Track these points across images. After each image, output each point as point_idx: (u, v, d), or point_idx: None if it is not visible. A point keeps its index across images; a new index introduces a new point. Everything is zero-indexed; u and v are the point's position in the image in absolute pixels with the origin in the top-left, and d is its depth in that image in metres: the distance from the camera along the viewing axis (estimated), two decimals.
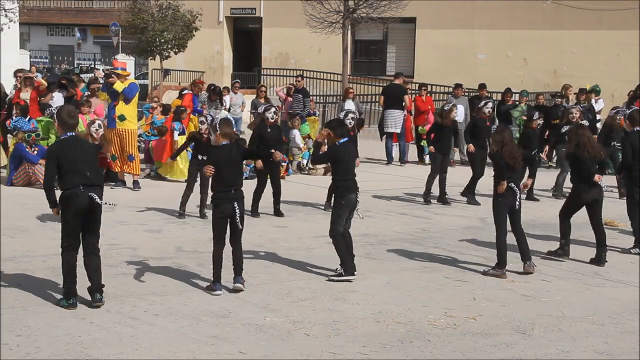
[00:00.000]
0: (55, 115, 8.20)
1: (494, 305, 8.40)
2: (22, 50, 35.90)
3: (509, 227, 9.68)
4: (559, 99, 19.91)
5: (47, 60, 56.58)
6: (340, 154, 9.38)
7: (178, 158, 14.21)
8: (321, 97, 27.31)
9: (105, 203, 7.99)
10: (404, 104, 19.85)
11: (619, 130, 14.16)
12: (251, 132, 14.06)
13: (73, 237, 7.93)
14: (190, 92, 18.08)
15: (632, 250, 10.90)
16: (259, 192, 12.75)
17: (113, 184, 14.71)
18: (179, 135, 15.76)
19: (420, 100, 20.38)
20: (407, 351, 7.03)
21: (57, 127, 8.20)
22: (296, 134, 18.08)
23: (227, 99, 20.93)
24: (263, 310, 7.98)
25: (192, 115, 17.05)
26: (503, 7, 28.67)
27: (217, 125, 8.67)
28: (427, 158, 19.46)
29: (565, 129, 10.98)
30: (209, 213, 11.21)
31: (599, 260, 10.27)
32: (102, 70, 21.54)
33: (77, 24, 59.08)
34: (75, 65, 54.37)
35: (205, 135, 12.51)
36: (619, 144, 14.45)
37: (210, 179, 8.77)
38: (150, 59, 33.03)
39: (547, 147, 16.78)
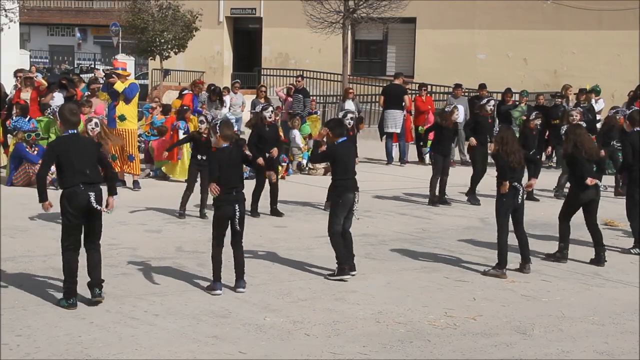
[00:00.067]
0: (57, 113, 8.24)
1: (494, 305, 8.41)
2: (22, 50, 35.91)
3: (510, 227, 9.70)
4: (559, 99, 19.91)
5: (47, 61, 56.58)
6: (339, 154, 9.38)
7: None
8: (321, 97, 27.31)
9: (102, 209, 7.94)
10: (403, 104, 19.85)
11: (619, 129, 14.17)
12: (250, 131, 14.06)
13: (74, 236, 7.93)
14: (190, 92, 18.08)
15: (632, 251, 10.91)
16: (258, 192, 12.75)
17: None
18: (184, 134, 15.75)
19: (420, 101, 20.38)
20: (407, 351, 7.03)
21: (59, 125, 8.23)
22: (296, 134, 18.08)
23: (227, 99, 20.94)
24: (263, 310, 7.99)
25: (192, 116, 17.05)
26: (503, 7, 28.67)
27: (218, 127, 8.67)
28: (427, 158, 19.50)
29: (563, 129, 10.97)
30: (209, 213, 11.23)
31: (598, 260, 10.27)
32: (102, 70, 21.54)
33: (77, 24, 59.09)
34: (76, 66, 54.37)
35: (205, 135, 12.51)
36: (618, 144, 14.47)
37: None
38: (151, 59, 33.04)
39: (549, 149, 16.78)
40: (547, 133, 18.24)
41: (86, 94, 16.88)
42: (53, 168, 13.54)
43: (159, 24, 29.17)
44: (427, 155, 19.39)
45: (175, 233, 11.38)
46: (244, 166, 15.64)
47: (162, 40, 29.40)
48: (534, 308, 8.34)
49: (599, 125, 18.02)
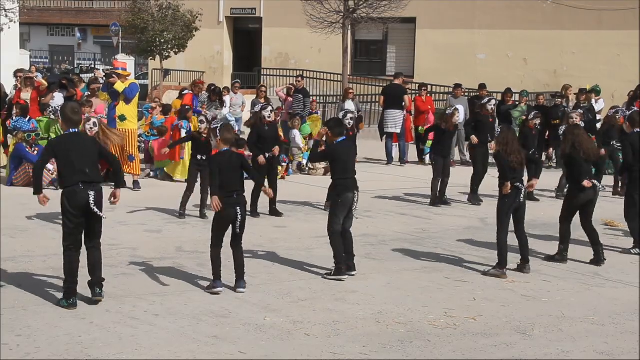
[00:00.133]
0: (59, 112, 8.28)
1: (494, 305, 8.41)
2: (22, 51, 35.89)
3: (511, 228, 9.71)
4: (559, 99, 19.91)
5: (47, 61, 56.58)
6: (338, 153, 9.39)
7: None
8: (321, 97, 27.30)
9: (98, 212, 7.93)
10: (403, 104, 19.85)
11: (618, 129, 14.18)
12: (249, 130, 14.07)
13: (74, 236, 7.93)
14: (190, 92, 18.08)
15: (632, 251, 10.91)
16: (257, 192, 12.73)
17: (113, 184, 14.68)
18: (186, 134, 15.75)
19: (420, 101, 20.38)
20: (407, 351, 7.03)
21: (61, 124, 8.27)
22: (296, 134, 18.07)
23: (227, 99, 20.93)
24: (263, 310, 7.99)
25: (192, 116, 17.06)
26: (503, 7, 28.67)
27: (218, 131, 8.68)
28: (427, 158, 19.50)
29: (561, 129, 10.96)
30: (209, 213, 11.23)
31: (597, 260, 10.28)
32: (103, 70, 21.53)
33: (77, 24, 59.09)
34: (76, 66, 54.38)
35: (205, 135, 12.51)
36: (618, 144, 14.47)
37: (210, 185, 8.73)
38: (151, 59, 33.05)
39: (550, 150, 16.74)
40: (547, 133, 18.23)
41: (86, 94, 16.88)
42: (53, 168, 13.62)
43: (159, 24, 29.18)
44: (427, 156, 19.40)
45: (175, 233, 11.38)
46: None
47: (162, 40, 29.40)
48: (534, 308, 8.35)
49: (599, 125, 18.02)
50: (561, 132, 10.96)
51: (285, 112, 20.03)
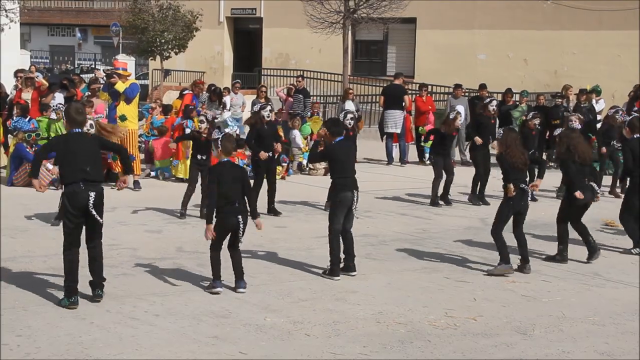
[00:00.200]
0: (63, 113, 8.37)
1: (495, 305, 8.41)
2: (22, 51, 35.87)
3: (510, 228, 9.74)
4: (560, 100, 19.91)
5: (48, 61, 56.60)
6: (336, 153, 9.40)
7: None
8: (321, 98, 27.30)
9: (96, 215, 7.96)
10: (404, 104, 19.85)
11: (618, 129, 14.18)
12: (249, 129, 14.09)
13: (74, 235, 7.97)
14: (191, 92, 18.09)
15: (632, 251, 10.91)
16: (256, 191, 12.74)
17: (114, 184, 14.71)
18: None
19: (420, 101, 20.37)
20: (408, 352, 7.03)
21: (65, 124, 8.35)
22: (296, 134, 18.07)
23: (227, 99, 20.93)
24: (263, 310, 7.99)
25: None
26: (503, 8, 28.66)
27: (220, 142, 8.68)
28: (427, 158, 19.50)
29: (557, 131, 10.96)
30: None
31: (592, 252, 10.30)
32: (103, 70, 21.53)
33: (77, 24, 59.11)
34: (76, 66, 54.39)
35: (205, 135, 12.52)
36: (618, 144, 14.47)
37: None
38: (151, 59, 33.04)
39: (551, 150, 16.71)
40: (547, 133, 18.23)
41: (86, 94, 16.88)
42: (53, 168, 13.63)
43: (160, 24, 29.17)
44: (427, 155, 19.40)
45: (176, 233, 11.38)
46: (244, 167, 15.70)
47: (163, 41, 29.40)
48: (534, 308, 8.35)
49: (599, 126, 18.01)
50: (557, 134, 10.96)
51: (285, 112, 20.03)
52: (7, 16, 27.48)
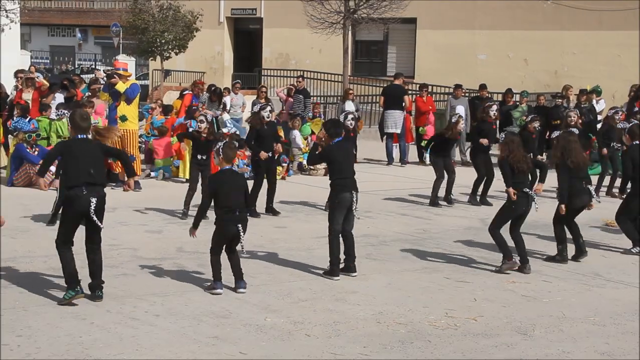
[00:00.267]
0: (68, 118, 8.49)
1: (495, 305, 8.41)
2: (23, 51, 35.86)
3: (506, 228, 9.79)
4: (560, 100, 19.90)
5: (48, 61, 56.58)
6: (334, 154, 9.40)
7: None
8: (322, 98, 27.30)
9: (97, 221, 8.03)
10: (404, 104, 19.84)
11: (618, 130, 14.17)
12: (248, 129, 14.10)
13: (68, 235, 8.10)
14: (190, 92, 18.09)
15: (632, 250, 10.92)
16: (256, 192, 12.77)
17: (114, 184, 14.70)
18: None
19: (420, 101, 20.36)
20: (408, 352, 7.03)
21: (69, 130, 8.44)
22: (296, 134, 18.07)
23: (227, 99, 20.93)
24: (264, 310, 7.99)
25: None
26: (504, 8, 28.66)
27: (221, 150, 8.66)
28: (427, 158, 19.49)
29: (555, 134, 10.96)
30: (209, 213, 11.21)
31: (577, 255, 10.31)
32: (103, 70, 21.53)
33: (78, 24, 59.08)
34: (76, 66, 54.38)
35: (205, 135, 12.51)
36: (619, 144, 14.47)
37: (213, 200, 8.72)
38: (151, 60, 33.04)
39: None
40: (547, 134, 18.23)
41: (87, 94, 16.88)
42: (52, 167, 13.63)
43: (160, 25, 29.18)
44: (427, 155, 19.40)
45: (176, 233, 11.38)
46: (245, 167, 15.70)
47: (163, 41, 29.40)
48: (534, 309, 8.34)
49: (599, 126, 18.02)
50: (554, 137, 10.97)
51: (285, 113, 20.03)
52: (7, 16, 27.46)
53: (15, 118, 15.69)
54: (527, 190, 9.75)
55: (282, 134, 16.67)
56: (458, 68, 28.68)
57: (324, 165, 16.77)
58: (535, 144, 14.83)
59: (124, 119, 14.45)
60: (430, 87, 23.80)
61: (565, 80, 24.36)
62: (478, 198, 14.37)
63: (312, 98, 21.55)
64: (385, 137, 19.93)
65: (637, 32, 25.99)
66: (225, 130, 17.36)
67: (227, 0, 34.76)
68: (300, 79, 21.38)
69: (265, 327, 7.51)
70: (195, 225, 8.62)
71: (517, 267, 9.65)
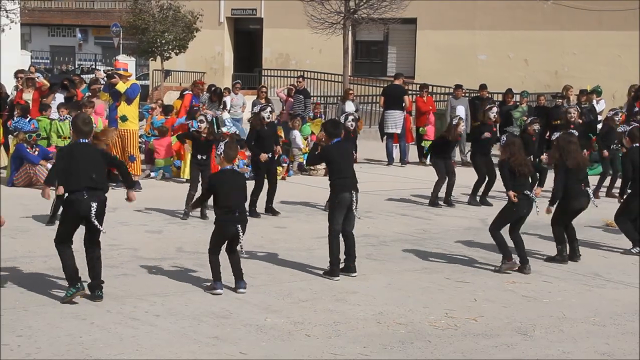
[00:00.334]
0: (70, 123, 8.52)
1: (495, 306, 8.41)
2: (23, 51, 35.84)
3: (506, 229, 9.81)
4: (560, 100, 19.90)
5: (49, 61, 56.57)
6: (332, 154, 9.39)
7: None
8: (322, 98, 27.29)
9: (98, 226, 8.05)
10: (404, 104, 19.84)
11: (618, 133, 14.18)
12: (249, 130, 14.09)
13: (66, 234, 8.15)
14: (190, 92, 18.09)
15: (632, 250, 10.92)
16: (257, 194, 12.78)
17: (114, 184, 14.68)
18: None
19: (421, 101, 20.35)
20: (408, 352, 7.03)
21: (72, 134, 8.46)
22: (297, 134, 18.07)
23: (227, 99, 20.94)
24: (264, 311, 7.99)
25: None
26: (504, 8, 28.65)
27: (222, 149, 8.67)
28: (427, 159, 19.51)
29: (555, 135, 10.96)
30: (210, 213, 11.23)
31: (571, 257, 10.32)
32: (103, 71, 21.53)
33: (78, 24, 59.07)
34: (76, 66, 54.37)
35: (204, 135, 12.51)
36: (619, 145, 14.47)
37: (213, 200, 8.73)
38: (151, 60, 33.04)
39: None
40: (547, 134, 18.23)
41: (87, 94, 16.88)
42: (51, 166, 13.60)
43: (160, 25, 29.18)
44: (428, 156, 19.42)
45: (176, 234, 11.38)
46: (245, 167, 15.69)
47: (163, 41, 29.40)
48: (534, 309, 8.34)
49: (599, 126, 18.03)
50: (554, 138, 10.97)
51: (285, 113, 20.03)
52: (7, 17, 27.46)
53: (15, 118, 15.69)
54: (528, 192, 9.76)
55: (282, 134, 16.68)
56: (458, 68, 28.67)
57: (324, 165, 16.78)
58: (535, 146, 14.84)
59: (124, 119, 14.45)
60: (430, 88, 23.80)
61: (565, 80, 24.34)
62: (478, 199, 14.39)
63: (312, 98, 21.53)
64: (385, 137, 19.92)
65: (637, 33, 25.98)
66: (224, 129, 17.36)
67: (227, 0, 34.75)
68: (301, 79, 21.38)
69: (265, 327, 7.51)
70: (193, 207, 9.32)
71: (516, 268, 9.67)
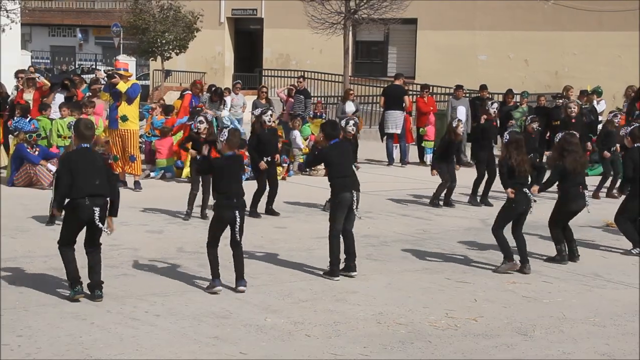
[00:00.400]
0: (72, 127, 8.52)
1: (495, 306, 8.41)
2: (23, 51, 35.89)
3: (510, 228, 9.79)
4: (560, 100, 19.90)
5: (49, 61, 56.59)
6: (331, 156, 9.40)
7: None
8: (322, 98, 27.27)
9: (104, 229, 8.11)
10: (404, 104, 19.84)
11: (619, 137, 14.19)
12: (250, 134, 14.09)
13: (70, 236, 8.18)
14: (190, 92, 18.09)
15: (632, 251, 10.92)
16: (259, 195, 12.79)
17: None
18: None
19: (422, 102, 20.33)
20: (408, 352, 7.03)
21: (73, 138, 8.48)
22: (297, 134, 18.07)
23: (228, 99, 20.95)
24: (264, 311, 7.99)
25: None
26: (504, 8, 28.65)
27: (226, 134, 8.70)
28: (427, 159, 19.51)
29: (559, 136, 10.98)
30: (210, 214, 11.22)
31: (572, 256, 10.32)
32: (104, 71, 21.53)
33: (78, 24, 59.07)
34: (77, 66, 54.38)
35: (204, 136, 12.51)
36: (619, 146, 14.48)
37: (212, 186, 8.78)
38: (152, 60, 33.05)
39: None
40: (548, 135, 18.24)
41: (87, 94, 16.88)
42: (52, 167, 13.65)
43: (160, 25, 29.20)
44: (429, 156, 19.43)
45: (177, 234, 11.38)
46: (245, 167, 15.71)
47: (164, 41, 29.42)
48: (535, 309, 8.34)
49: (600, 127, 18.03)
50: (557, 138, 10.98)
51: (286, 113, 20.03)
52: (8, 16, 27.48)
53: (15, 118, 15.69)
54: (526, 190, 9.79)
55: (282, 134, 16.68)
56: (458, 69, 28.67)
57: (324, 165, 16.78)
58: (535, 143, 14.85)
59: (124, 119, 14.45)
60: (430, 88, 23.80)
61: (565, 80, 24.35)
62: (478, 199, 14.39)
63: (312, 98, 21.54)
64: (385, 137, 19.92)
65: (637, 33, 25.98)
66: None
67: (227, 0, 34.76)
68: (301, 79, 21.38)
69: (265, 327, 7.51)
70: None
71: (517, 268, 9.67)
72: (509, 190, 9.71)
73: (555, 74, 27.71)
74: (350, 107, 19.51)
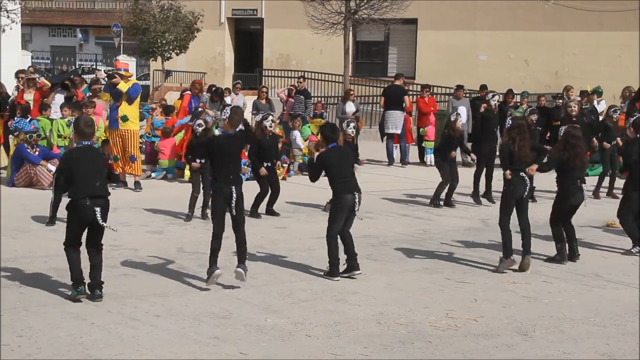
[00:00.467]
0: (72, 125, 8.52)
1: (495, 306, 8.41)
2: (23, 51, 35.88)
3: (514, 222, 9.80)
4: (561, 100, 19.89)
5: (49, 61, 56.59)
6: (330, 159, 9.38)
7: None
8: (322, 99, 27.26)
9: (108, 227, 8.14)
10: (404, 105, 19.84)
11: (618, 129, 14.20)
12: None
13: (75, 237, 8.19)
14: (189, 92, 18.09)
15: (632, 250, 10.92)
16: (261, 197, 12.81)
17: (115, 185, 14.71)
18: None
19: (422, 102, 20.33)
20: (408, 352, 7.03)
21: (73, 136, 8.48)
22: (297, 135, 18.07)
23: (228, 100, 20.95)
24: (264, 311, 7.99)
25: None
26: (504, 8, 28.65)
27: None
28: (428, 159, 19.51)
29: (562, 130, 10.99)
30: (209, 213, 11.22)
31: (570, 257, 10.32)
32: (104, 71, 21.53)
33: (78, 25, 59.08)
34: (77, 66, 54.38)
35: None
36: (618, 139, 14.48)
37: (210, 167, 8.81)
38: (152, 60, 33.04)
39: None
40: (548, 135, 18.23)
41: (87, 94, 16.88)
42: (52, 167, 13.64)
43: (161, 25, 29.19)
44: (429, 157, 19.43)
45: (177, 234, 11.39)
46: (245, 167, 15.69)
47: (164, 41, 29.41)
48: (535, 309, 8.35)
49: None
50: (561, 133, 10.99)
51: (286, 113, 20.03)
52: (8, 17, 27.48)
53: (16, 118, 15.69)
54: (523, 174, 9.83)
55: (282, 134, 16.68)
56: (459, 69, 28.67)
57: None
58: (535, 137, 14.89)
59: (125, 119, 14.45)
60: (431, 88, 23.80)
61: (566, 80, 24.34)
62: (480, 196, 14.38)
63: (312, 98, 21.54)
64: (385, 137, 19.93)
65: (637, 33, 25.97)
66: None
67: (227, 0, 34.76)
68: (301, 79, 21.37)
69: (265, 327, 7.51)
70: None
71: (514, 266, 9.66)
72: (507, 172, 9.76)
73: (556, 74, 27.71)
74: (350, 107, 19.51)
